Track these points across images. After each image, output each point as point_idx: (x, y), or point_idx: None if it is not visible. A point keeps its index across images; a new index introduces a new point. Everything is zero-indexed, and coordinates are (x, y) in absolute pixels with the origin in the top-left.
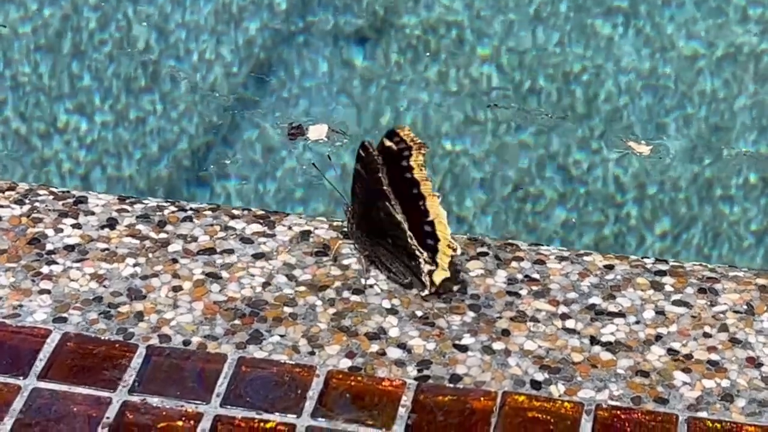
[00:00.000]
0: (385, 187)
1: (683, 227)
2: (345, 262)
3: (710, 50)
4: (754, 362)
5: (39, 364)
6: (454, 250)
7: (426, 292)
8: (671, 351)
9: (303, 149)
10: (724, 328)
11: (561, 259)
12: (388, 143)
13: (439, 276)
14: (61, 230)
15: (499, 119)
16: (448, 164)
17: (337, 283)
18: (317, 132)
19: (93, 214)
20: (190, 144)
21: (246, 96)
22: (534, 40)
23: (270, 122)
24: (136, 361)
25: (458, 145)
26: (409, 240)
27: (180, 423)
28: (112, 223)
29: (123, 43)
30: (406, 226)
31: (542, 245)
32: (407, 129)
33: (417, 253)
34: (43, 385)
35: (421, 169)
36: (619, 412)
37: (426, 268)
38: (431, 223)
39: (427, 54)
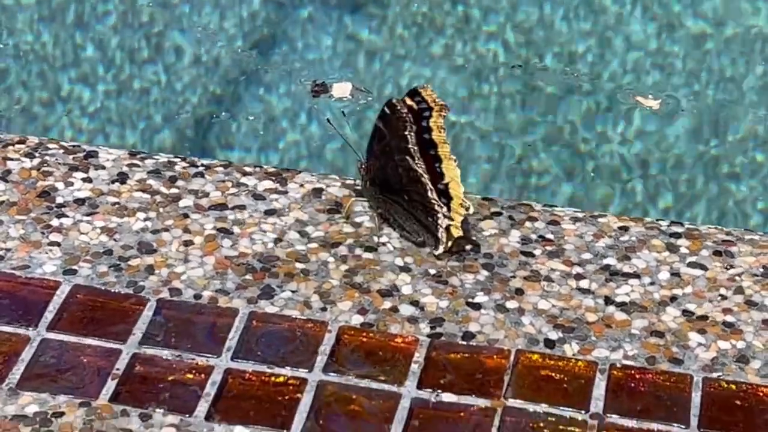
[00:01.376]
0: (410, 146)
1: (688, 203)
2: (357, 219)
3: (718, 29)
4: None
5: (49, 316)
6: (467, 209)
7: (440, 250)
8: (686, 312)
9: (307, 121)
10: (739, 290)
11: (575, 220)
12: (409, 102)
13: (453, 233)
14: (72, 184)
15: (504, 93)
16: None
17: (350, 240)
18: (341, 90)
19: (103, 168)
20: (194, 114)
21: (249, 69)
22: (541, 16)
23: (274, 94)
24: (147, 314)
25: (463, 118)
26: (429, 194)
27: (190, 376)
28: (122, 178)
29: (127, 16)
30: (427, 179)
31: (556, 206)
32: (430, 89)
33: (437, 207)
34: (52, 336)
35: (440, 131)
36: (633, 372)
37: (444, 222)
38: (446, 185)
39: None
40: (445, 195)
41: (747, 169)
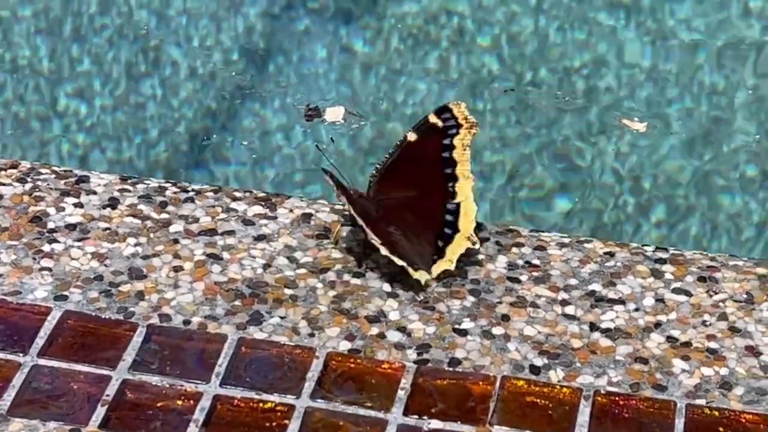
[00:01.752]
0: (353, 213)
1: (680, 218)
2: (346, 245)
3: (711, 42)
4: (753, 351)
5: (39, 342)
6: (473, 244)
7: (424, 282)
8: (670, 338)
9: (303, 136)
10: (723, 316)
11: (562, 245)
12: (433, 120)
13: (440, 267)
14: (63, 209)
15: (499, 109)
16: None
17: (338, 266)
18: (334, 114)
19: (95, 193)
20: (189, 129)
21: (245, 83)
22: (536, 30)
23: (269, 108)
24: (137, 339)
25: None
26: (390, 256)
27: (179, 402)
28: (113, 203)
29: (123, 29)
30: (382, 250)
31: (543, 231)
32: (463, 106)
33: (399, 264)
34: (43, 362)
35: (464, 149)
36: (617, 398)
37: (414, 276)
38: (456, 209)
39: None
40: (451, 225)
41: (739, 183)
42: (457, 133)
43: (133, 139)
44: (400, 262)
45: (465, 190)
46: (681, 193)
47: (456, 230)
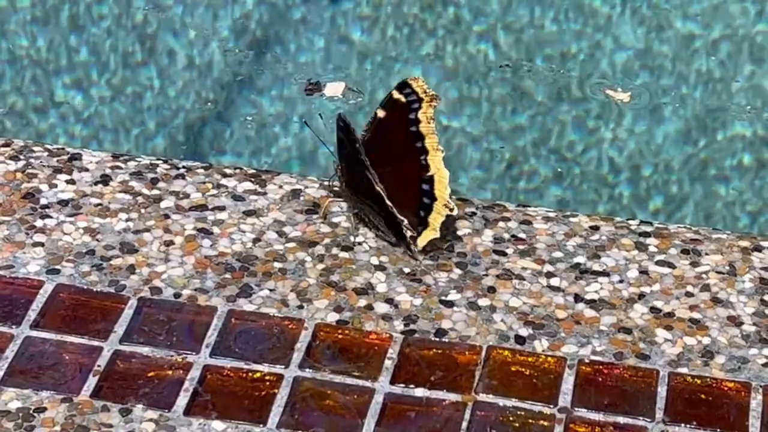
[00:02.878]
0: (362, 157)
1: (676, 206)
2: (335, 219)
3: (706, 31)
4: (735, 321)
5: (32, 314)
6: (451, 210)
7: (415, 253)
8: (654, 309)
9: (300, 124)
10: (706, 288)
11: (547, 219)
12: (396, 95)
13: (427, 236)
14: (56, 185)
15: (494, 97)
16: (443, 142)
17: (327, 240)
18: (334, 89)
19: (87, 170)
20: (186, 119)
21: (242, 71)
22: (531, 18)
23: (266, 98)
24: (128, 312)
25: (454, 122)
26: (389, 209)
27: (170, 372)
28: (105, 180)
29: (121, 18)
30: (384, 196)
31: (529, 206)
32: (421, 80)
33: (398, 219)
34: (35, 333)
35: (429, 122)
36: (601, 367)
37: (408, 233)
38: (430, 180)
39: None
40: (428, 195)
41: (735, 171)
42: (420, 107)
43: (130, 129)
44: (409, 234)
45: (436, 162)
46: (675, 180)
47: (434, 198)
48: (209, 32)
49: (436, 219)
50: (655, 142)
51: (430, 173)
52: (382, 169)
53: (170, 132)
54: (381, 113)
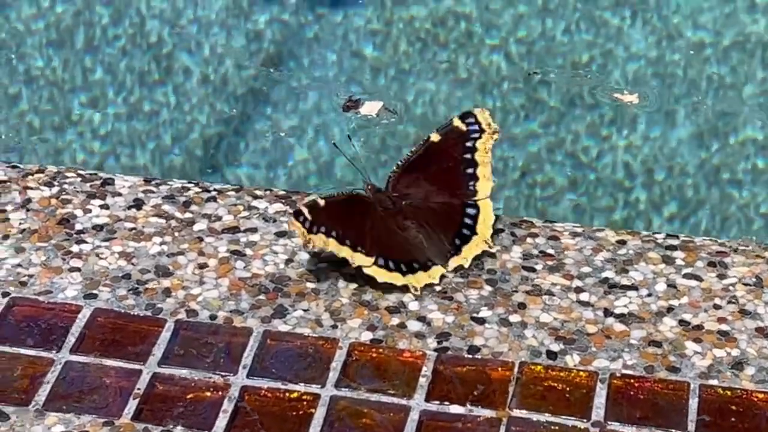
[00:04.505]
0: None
1: (691, 210)
2: None
3: (717, 39)
4: (763, 332)
5: (71, 339)
6: (490, 247)
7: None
8: (682, 322)
9: (314, 138)
10: (733, 299)
11: (575, 235)
12: (457, 123)
13: (455, 263)
14: (90, 210)
15: (508, 108)
16: None
17: None
18: (370, 108)
19: (120, 195)
20: (203, 135)
21: (257, 88)
22: (543, 30)
23: (281, 112)
24: (165, 334)
25: None
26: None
27: (208, 393)
28: (138, 204)
29: (136, 38)
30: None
31: (556, 222)
32: (487, 113)
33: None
34: (75, 358)
35: (485, 153)
36: (632, 381)
37: (400, 282)
38: (475, 214)
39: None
40: (470, 227)
41: (748, 175)
42: (480, 137)
43: (147, 146)
44: (384, 278)
45: (485, 190)
46: (690, 185)
47: (474, 233)
48: (224, 50)
49: (470, 251)
50: (669, 147)
51: (476, 198)
52: (424, 189)
53: (187, 147)
54: (435, 137)
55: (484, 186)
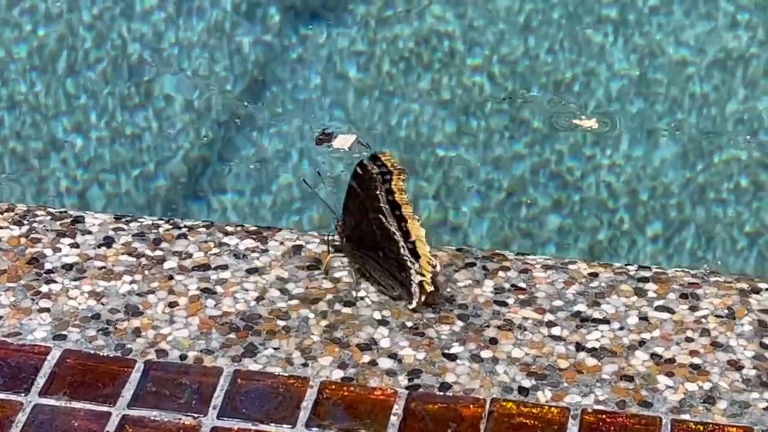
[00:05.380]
0: (382, 204)
1: (675, 230)
2: (336, 275)
3: (700, 56)
4: (735, 365)
5: (40, 381)
6: (434, 267)
7: (413, 304)
8: (654, 356)
9: (298, 162)
10: (705, 332)
11: (546, 267)
12: (370, 166)
13: (426, 288)
14: (59, 249)
15: (492, 128)
16: (441, 174)
17: (329, 296)
18: (343, 141)
19: (90, 233)
20: (186, 160)
21: (240, 111)
22: (526, 49)
23: (265, 137)
24: (135, 375)
25: (452, 152)
26: (402, 251)
27: None
28: (108, 242)
29: (117, 62)
30: (399, 236)
31: (528, 254)
32: (388, 154)
33: (409, 263)
34: (44, 401)
35: (401, 193)
36: (604, 416)
37: (417, 278)
38: (413, 243)
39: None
40: (413, 254)
41: (732, 194)
42: (391, 179)
43: (130, 172)
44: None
45: (414, 229)
46: (674, 204)
47: (418, 257)
48: (207, 73)
49: (425, 275)
50: (652, 167)
51: (411, 239)
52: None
53: (170, 173)
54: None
55: (413, 225)
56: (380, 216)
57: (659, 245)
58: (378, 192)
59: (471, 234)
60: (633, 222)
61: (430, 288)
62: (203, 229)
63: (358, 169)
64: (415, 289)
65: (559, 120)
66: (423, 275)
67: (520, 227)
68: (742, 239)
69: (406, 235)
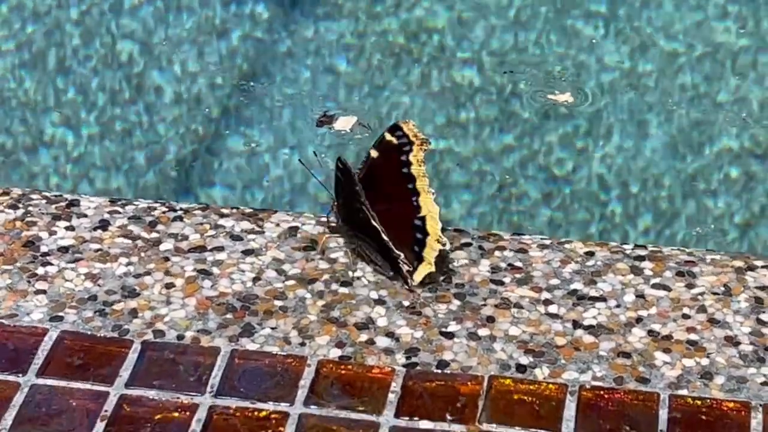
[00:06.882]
0: (363, 200)
1: (666, 223)
2: (332, 255)
3: (690, 48)
4: (732, 341)
5: (37, 362)
6: (443, 244)
7: (411, 284)
8: (651, 332)
9: (290, 156)
10: (702, 309)
11: (542, 247)
12: (388, 137)
13: (423, 270)
14: (55, 232)
15: (482, 120)
16: (432, 166)
17: (326, 276)
18: (344, 123)
19: (85, 216)
20: (176, 155)
21: (230, 106)
22: (515, 42)
23: (255, 130)
24: (132, 356)
25: (442, 145)
26: (386, 245)
27: (176, 414)
28: (104, 225)
29: (107, 58)
30: (382, 233)
31: (524, 235)
32: (411, 123)
33: (393, 255)
34: (41, 381)
35: (419, 165)
36: (602, 392)
37: (404, 268)
38: (422, 218)
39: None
40: (421, 231)
41: (723, 185)
42: (411, 150)
43: (121, 167)
44: (405, 268)
45: (427, 204)
46: (666, 196)
47: (426, 234)
48: (196, 67)
49: (429, 253)
50: (643, 159)
51: (421, 214)
52: (376, 206)
53: (161, 167)
54: (374, 153)
55: (425, 200)
56: (361, 206)
57: (650, 237)
58: (357, 188)
59: (462, 226)
60: (624, 214)
61: (430, 269)
62: (199, 212)
63: (339, 164)
64: (405, 276)
65: (535, 97)
66: (417, 261)
67: (512, 220)
68: (732, 230)
69: (417, 209)
